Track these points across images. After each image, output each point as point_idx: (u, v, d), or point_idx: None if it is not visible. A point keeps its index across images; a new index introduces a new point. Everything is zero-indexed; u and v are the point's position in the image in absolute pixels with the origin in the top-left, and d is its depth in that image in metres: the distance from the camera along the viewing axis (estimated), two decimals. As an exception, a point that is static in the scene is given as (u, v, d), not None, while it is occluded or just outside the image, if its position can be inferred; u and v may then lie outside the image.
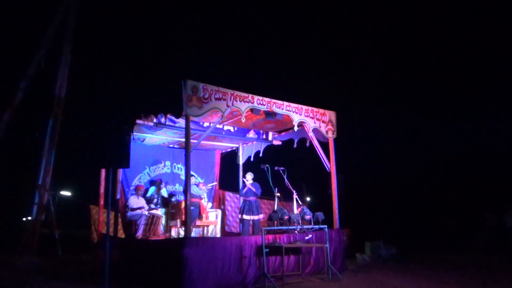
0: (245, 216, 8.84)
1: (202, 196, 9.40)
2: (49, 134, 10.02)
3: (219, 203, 11.03)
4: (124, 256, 7.64)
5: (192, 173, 9.46)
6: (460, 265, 9.09)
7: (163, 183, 9.79)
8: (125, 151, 5.60)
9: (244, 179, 9.22)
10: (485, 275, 7.56)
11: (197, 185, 9.70)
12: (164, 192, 9.61)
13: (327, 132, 8.75)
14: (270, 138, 10.53)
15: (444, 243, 13.78)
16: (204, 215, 8.97)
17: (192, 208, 7.72)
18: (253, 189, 8.98)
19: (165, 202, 9.43)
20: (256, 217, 8.88)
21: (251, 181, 9.07)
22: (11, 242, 10.02)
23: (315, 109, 8.64)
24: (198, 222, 8.86)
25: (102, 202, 9.23)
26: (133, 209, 8.82)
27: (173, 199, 9.50)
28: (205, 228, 9.29)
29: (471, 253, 11.16)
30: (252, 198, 8.97)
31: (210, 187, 10.66)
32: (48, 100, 10.24)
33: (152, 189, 9.47)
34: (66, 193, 13.44)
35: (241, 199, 9.29)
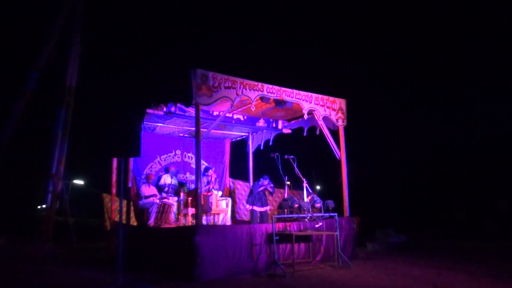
0: (254, 207, 8.92)
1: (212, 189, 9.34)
2: (62, 124, 10.14)
3: (229, 191, 11.10)
4: (137, 243, 7.76)
5: (204, 163, 9.53)
6: (471, 252, 9.07)
7: (175, 171, 9.87)
8: (136, 140, 5.66)
9: (262, 183, 9.05)
10: (496, 264, 7.52)
11: (208, 172, 9.69)
12: (174, 181, 9.69)
13: (337, 120, 8.70)
14: (280, 126, 10.51)
15: (455, 231, 13.72)
16: (204, 208, 8.90)
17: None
18: (270, 190, 9.05)
19: (177, 191, 9.51)
20: (262, 209, 8.96)
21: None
22: (27, 230, 10.27)
23: (325, 97, 8.58)
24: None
25: (114, 190, 9.35)
26: (146, 197, 8.94)
27: (184, 188, 9.57)
28: (215, 216, 9.36)
29: (482, 241, 11.10)
30: (259, 189, 9.03)
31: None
32: (59, 90, 10.33)
33: (167, 178, 9.51)
34: (79, 182, 13.66)
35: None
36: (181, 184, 9.85)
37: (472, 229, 13.55)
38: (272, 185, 9.09)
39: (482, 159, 17.75)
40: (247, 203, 9.14)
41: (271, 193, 9.22)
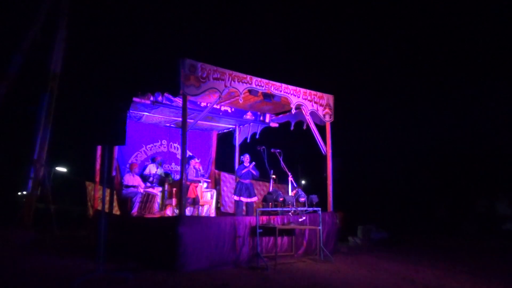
0: (240, 198, 8.85)
1: (193, 179, 9.28)
2: (45, 110, 9.96)
3: (214, 183, 11.09)
4: (119, 232, 7.71)
5: (189, 153, 9.47)
6: (450, 250, 9.28)
7: (160, 161, 9.81)
8: (121, 129, 5.60)
9: (243, 160, 9.10)
10: (474, 262, 7.72)
11: (193, 165, 9.68)
12: (160, 171, 9.64)
13: (324, 115, 8.74)
14: (267, 120, 10.52)
15: (436, 229, 14.02)
16: (197, 198, 8.90)
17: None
18: (253, 172, 8.94)
19: (161, 181, 9.46)
20: (249, 200, 8.88)
21: (247, 164, 9.05)
22: (6, 216, 10.08)
23: (313, 92, 8.61)
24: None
25: (98, 178, 9.26)
26: (127, 186, 8.85)
27: (169, 178, 9.54)
28: (200, 207, 9.35)
29: (462, 239, 11.37)
30: (247, 181, 8.95)
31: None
32: (43, 75, 10.12)
33: (153, 167, 9.44)
34: (62, 169, 13.44)
35: (236, 179, 9.31)
36: (167, 174, 9.80)
37: (452, 228, 13.85)
38: (253, 165, 8.96)
39: (465, 158, 18.08)
40: (234, 194, 9.09)
41: (254, 176, 9.05)
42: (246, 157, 9.05)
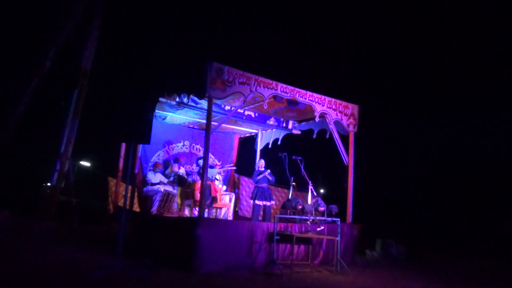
0: (256, 201, 8.83)
1: (214, 178, 9.39)
2: (74, 105, 10.22)
3: (233, 186, 11.11)
4: (138, 229, 7.81)
5: (210, 155, 9.54)
6: (472, 271, 8.96)
7: (183, 162, 9.94)
8: (146, 127, 5.68)
9: (259, 165, 9.10)
10: (495, 285, 7.44)
11: (214, 166, 9.77)
12: (182, 171, 9.74)
13: (348, 125, 8.65)
14: (290, 126, 10.49)
15: (458, 247, 13.60)
16: (217, 197, 9.00)
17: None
18: (269, 178, 8.91)
19: (181, 181, 9.55)
20: (267, 203, 8.84)
21: (263, 168, 9.02)
22: (30, 207, 10.36)
23: (338, 101, 8.53)
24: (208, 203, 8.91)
25: (120, 175, 9.41)
26: (152, 184, 8.98)
27: (189, 179, 9.62)
28: (218, 210, 9.38)
29: (484, 260, 10.98)
30: (264, 185, 8.93)
31: (228, 169, 10.71)
32: (74, 71, 10.40)
33: (175, 167, 9.56)
34: (85, 163, 13.74)
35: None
36: (188, 175, 9.89)
37: (475, 247, 13.40)
38: (269, 172, 8.95)
39: (493, 177, 17.49)
40: (251, 198, 9.08)
41: (270, 182, 9.03)
42: (262, 163, 9.04)
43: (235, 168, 11.07)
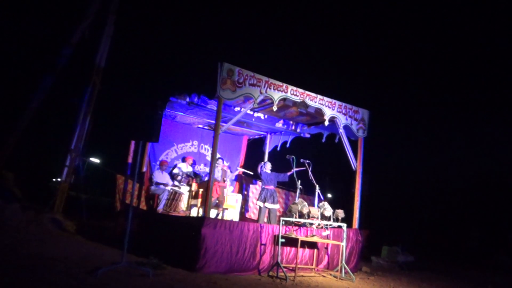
0: (261, 203, 8.84)
1: (219, 180, 9.36)
2: (86, 102, 10.35)
3: (240, 188, 11.12)
4: (144, 227, 7.86)
5: (218, 155, 9.56)
6: (479, 284, 8.80)
7: (192, 161, 9.97)
8: (156, 126, 5.73)
9: (265, 167, 9.09)
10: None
11: (222, 167, 9.77)
12: (189, 170, 9.77)
13: (358, 130, 8.61)
14: (299, 129, 10.46)
15: (466, 259, 13.39)
16: (220, 199, 8.97)
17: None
18: (274, 179, 8.93)
19: (189, 180, 9.58)
20: (272, 206, 8.83)
21: (269, 171, 9.03)
22: (40, 200, 10.51)
23: (348, 106, 8.50)
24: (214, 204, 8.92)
25: (128, 172, 9.49)
26: (157, 183, 9.04)
27: (197, 178, 9.65)
28: (224, 211, 9.39)
29: (493, 273, 10.80)
30: (271, 187, 8.92)
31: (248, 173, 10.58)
32: (88, 69, 10.53)
33: (183, 166, 9.61)
34: (95, 160, 13.88)
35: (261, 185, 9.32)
36: (196, 175, 9.93)
37: (484, 260, 13.18)
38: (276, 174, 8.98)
39: (507, 188, 17.17)
40: (258, 199, 9.08)
41: (274, 183, 9.01)
42: (268, 165, 9.04)
43: (252, 173, 10.75)
